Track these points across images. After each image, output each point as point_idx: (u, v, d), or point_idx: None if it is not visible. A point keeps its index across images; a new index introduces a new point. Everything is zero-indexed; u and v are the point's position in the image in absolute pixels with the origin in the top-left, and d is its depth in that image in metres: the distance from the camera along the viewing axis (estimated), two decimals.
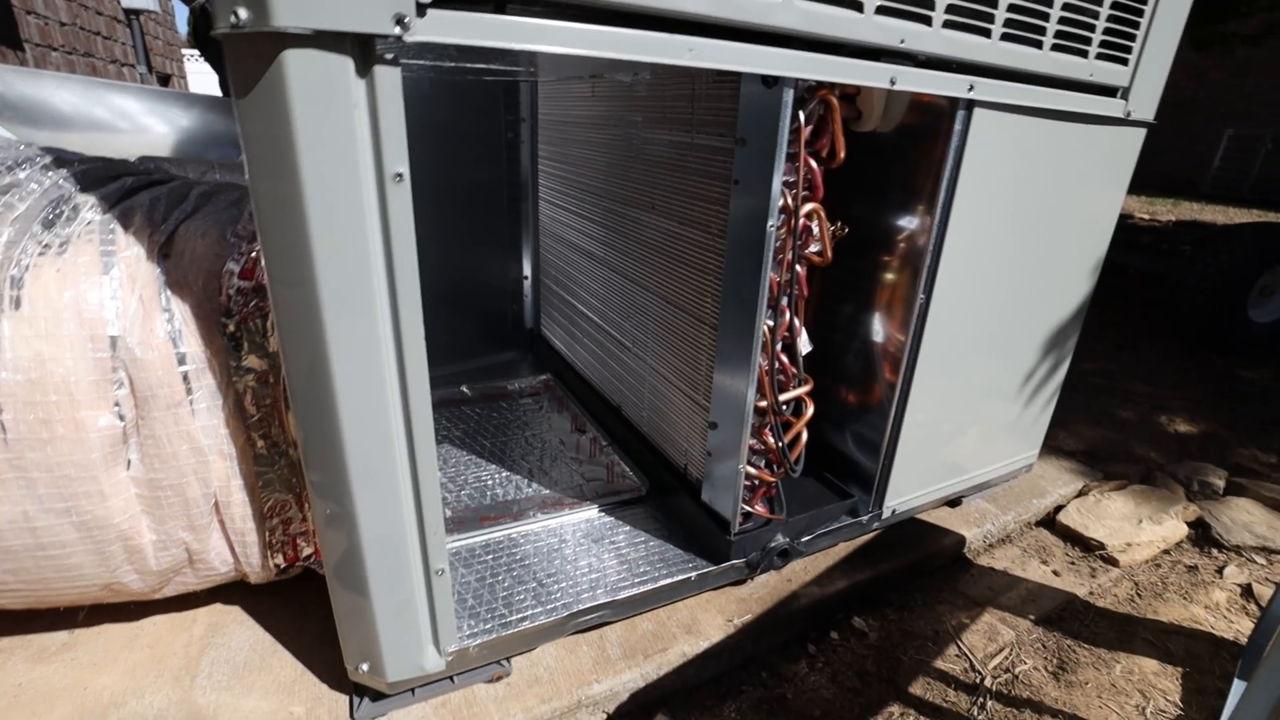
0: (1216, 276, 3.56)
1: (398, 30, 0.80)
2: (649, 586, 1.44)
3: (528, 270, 2.66)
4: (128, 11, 5.72)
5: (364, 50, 0.81)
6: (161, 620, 1.41)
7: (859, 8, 1.14)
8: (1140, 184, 14.10)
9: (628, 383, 1.97)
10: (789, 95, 1.19)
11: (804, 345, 1.54)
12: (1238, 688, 1.42)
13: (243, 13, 0.76)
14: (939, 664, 1.57)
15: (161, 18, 7.16)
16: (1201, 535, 2.10)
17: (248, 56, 0.79)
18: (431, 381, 2.47)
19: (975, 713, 1.45)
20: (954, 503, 2.01)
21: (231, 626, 1.41)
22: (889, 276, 1.63)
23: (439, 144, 2.35)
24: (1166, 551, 2.04)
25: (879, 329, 1.66)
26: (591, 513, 1.70)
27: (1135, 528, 2.04)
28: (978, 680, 1.53)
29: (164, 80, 7.26)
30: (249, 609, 1.45)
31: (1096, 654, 1.63)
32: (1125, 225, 8.22)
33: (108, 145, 2.66)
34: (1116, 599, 1.83)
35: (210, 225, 1.22)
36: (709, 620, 1.51)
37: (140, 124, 2.85)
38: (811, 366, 1.72)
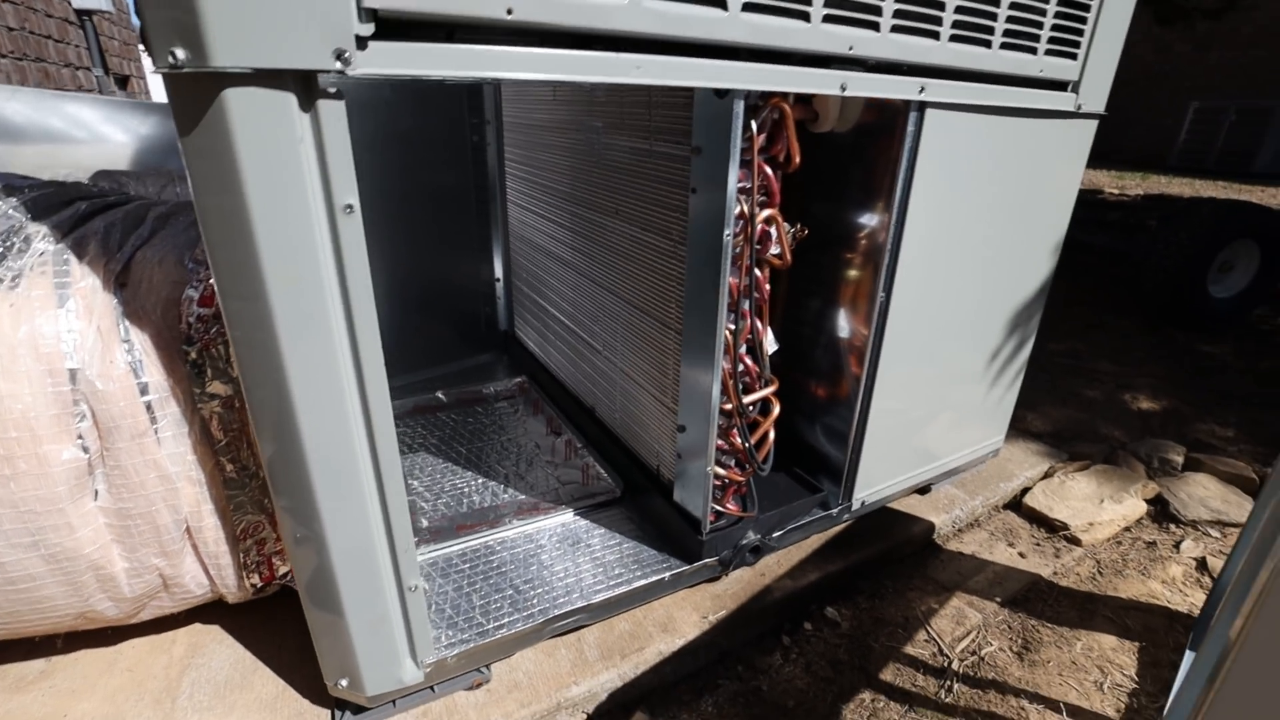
0: (1177, 253, 3.65)
1: (339, 65, 0.81)
2: (624, 589, 1.47)
3: (499, 272, 2.67)
4: (79, 12, 5.56)
5: (306, 85, 0.82)
6: (140, 643, 1.42)
7: (805, 18, 1.16)
8: (1110, 158, 14.30)
9: (600, 385, 1.99)
10: (740, 105, 1.20)
11: (770, 345, 1.57)
12: (1189, 659, 1.49)
13: (180, 53, 0.76)
14: (909, 649, 1.63)
15: (116, 17, 6.96)
16: (1160, 511, 2.18)
17: (188, 95, 0.79)
18: (407, 387, 2.48)
19: (943, 695, 1.51)
20: (923, 490, 2.06)
21: (211, 646, 1.42)
22: (852, 273, 1.66)
23: (404, 150, 2.33)
24: (1127, 529, 2.11)
25: (844, 324, 1.70)
26: (567, 516, 1.73)
27: (1097, 507, 2.11)
28: (945, 664, 1.59)
29: (122, 81, 7.08)
30: (229, 628, 1.46)
31: (1059, 633, 1.69)
32: (1094, 202, 8.35)
33: (67, 156, 2.62)
34: (1079, 578, 1.90)
35: (167, 251, 1.22)
36: (685, 618, 1.55)
37: (98, 133, 2.80)
38: (782, 361, 1.76)
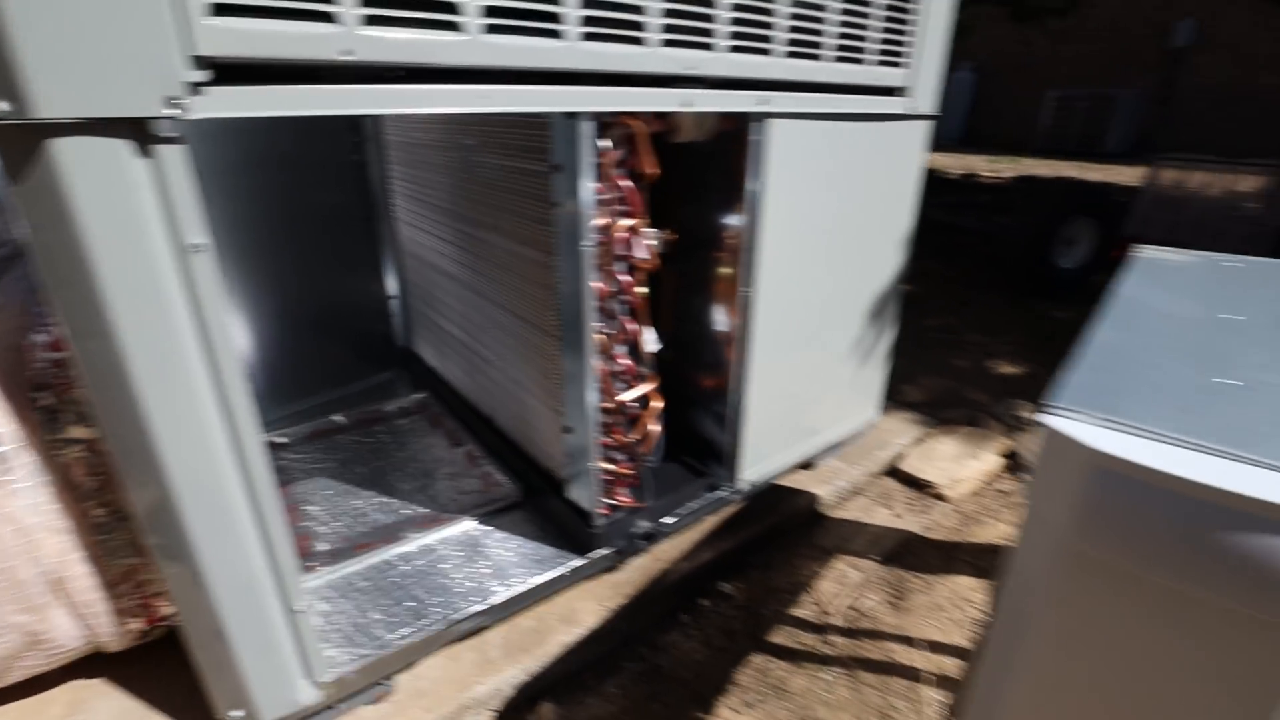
0: (1030, 230, 4.06)
1: (171, 112, 0.83)
2: (522, 588, 1.54)
3: (393, 289, 2.65)
4: None
5: (139, 132, 0.84)
6: (11, 710, 1.35)
7: (640, 43, 1.26)
8: (986, 144, 15.43)
9: (496, 394, 2.04)
10: (587, 126, 1.29)
11: (650, 344, 1.67)
12: None
13: (3, 105, 0.76)
14: (795, 612, 1.78)
15: None
16: (1014, 464, 2.45)
17: (14, 145, 0.80)
18: (305, 412, 2.44)
19: (824, 649, 1.66)
20: (807, 466, 2.23)
21: (94, 701, 1.37)
22: (722, 271, 1.78)
23: (286, 171, 2.28)
24: (986, 482, 2.37)
25: (719, 319, 1.82)
26: (468, 524, 1.77)
27: (961, 465, 2.36)
28: (827, 621, 1.75)
29: None
30: (114, 678, 1.42)
31: (926, 580, 1.89)
32: (970, 185, 9.05)
33: None
34: (945, 530, 2.12)
35: (11, 296, 1.18)
36: (586, 609, 1.63)
37: None
38: (676, 357, 1.87)
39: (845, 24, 1.63)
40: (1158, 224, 5.09)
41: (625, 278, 1.56)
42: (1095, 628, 0.82)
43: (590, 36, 1.20)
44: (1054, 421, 0.80)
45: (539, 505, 1.83)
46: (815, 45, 1.59)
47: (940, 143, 16.13)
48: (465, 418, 2.25)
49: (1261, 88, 11.93)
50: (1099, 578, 0.80)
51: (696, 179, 1.78)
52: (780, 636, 1.71)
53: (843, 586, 1.86)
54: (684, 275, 1.89)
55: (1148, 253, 1.57)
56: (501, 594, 1.52)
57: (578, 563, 1.62)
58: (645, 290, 1.63)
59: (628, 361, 1.62)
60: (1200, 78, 12.90)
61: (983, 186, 8.86)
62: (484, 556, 1.65)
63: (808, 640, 1.69)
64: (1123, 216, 4.34)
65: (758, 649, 1.67)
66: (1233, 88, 12.41)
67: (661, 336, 1.82)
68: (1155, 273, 1.41)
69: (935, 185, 9.06)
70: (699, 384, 1.95)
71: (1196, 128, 12.80)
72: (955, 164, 11.70)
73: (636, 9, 1.23)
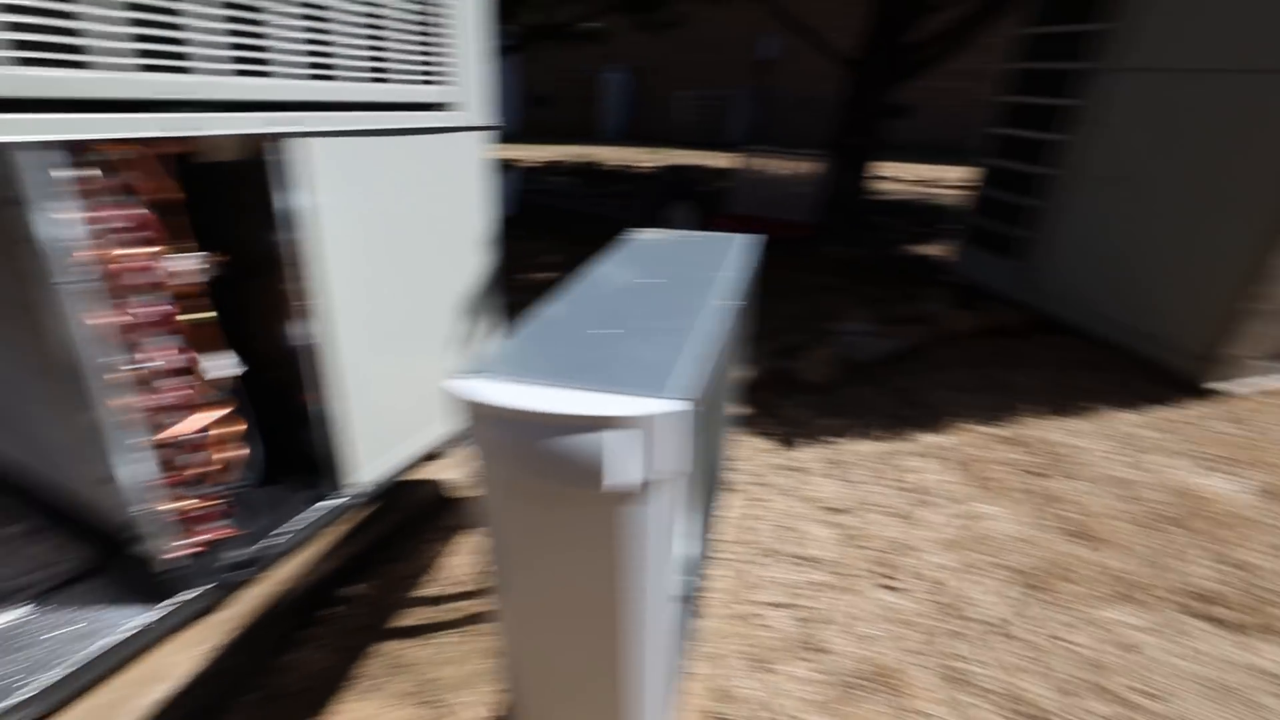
0: (641, 210, 4.80)
1: None
2: (79, 664, 1.39)
3: None
4: None
5: None
6: None
7: (81, 66, 1.20)
8: (644, 137, 17.42)
9: (46, 458, 1.76)
10: (42, 157, 1.20)
11: (216, 369, 1.62)
12: None
13: None
14: (419, 592, 1.92)
15: None
16: None
17: None
18: None
19: (445, 617, 1.83)
20: (434, 456, 2.37)
21: None
22: (291, 287, 1.79)
23: None
24: None
25: (298, 333, 1.83)
26: (11, 614, 1.53)
27: None
28: (446, 590, 1.92)
29: None
30: None
31: None
32: (622, 176, 10.17)
33: None
34: None
35: None
36: (180, 659, 1.55)
37: None
38: (282, 375, 1.82)
39: (370, 47, 1.76)
40: (748, 200, 6.42)
41: (162, 307, 1.49)
42: (520, 530, 1.10)
43: (22, 61, 1.12)
44: (458, 386, 1.04)
45: (110, 568, 1.65)
46: (331, 68, 1.68)
47: (606, 137, 17.81)
48: (17, 492, 1.90)
49: (821, 93, 15.62)
50: (511, 494, 1.06)
51: (247, 198, 1.75)
52: (407, 619, 1.83)
53: (466, 557, 2.06)
54: (269, 294, 1.85)
55: (637, 233, 2.02)
56: (51, 677, 1.35)
57: (155, 616, 1.52)
58: (205, 315, 1.58)
59: (185, 391, 1.56)
60: (784, 83, 16.34)
61: (631, 176, 10.05)
62: (29, 643, 1.44)
63: (431, 614, 1.84)
64: (712, 199, 5.38)
65: (381, 638, 1.77)
66: (805, 92, 15.93)
67: (265, 357, 1.78)
68: (628, 249, 1.83)
69: (594, 177, 10.02)
70: (300, 399, 1.94)
71: (788, 123, 16.21)
72: (615, 156, 13.02)
73: (71, 32, 1.18)
